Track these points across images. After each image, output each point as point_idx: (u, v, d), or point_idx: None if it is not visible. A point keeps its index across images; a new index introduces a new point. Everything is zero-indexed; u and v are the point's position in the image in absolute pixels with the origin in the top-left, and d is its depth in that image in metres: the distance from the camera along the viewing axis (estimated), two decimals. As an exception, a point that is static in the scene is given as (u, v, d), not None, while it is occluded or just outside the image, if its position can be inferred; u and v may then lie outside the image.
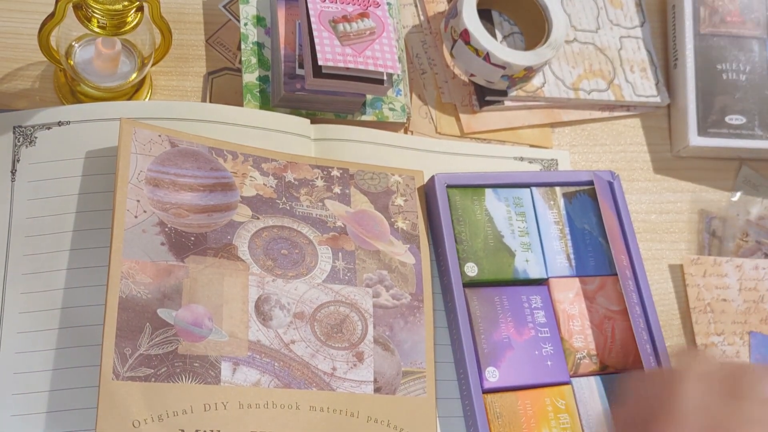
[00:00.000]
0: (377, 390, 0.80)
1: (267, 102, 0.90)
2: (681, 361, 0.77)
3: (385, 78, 0.89)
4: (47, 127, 0.82)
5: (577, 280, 0.90)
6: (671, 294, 0.99)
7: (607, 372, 0.87)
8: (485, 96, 0.99)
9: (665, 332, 0.96)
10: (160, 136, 0.80)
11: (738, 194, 1.05)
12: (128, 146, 0.79)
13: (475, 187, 0.90)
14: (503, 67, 0.95)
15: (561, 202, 0.92)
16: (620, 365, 0.87)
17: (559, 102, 1.02)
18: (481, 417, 0.81)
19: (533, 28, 1.01)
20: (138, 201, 0.77)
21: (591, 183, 0.93)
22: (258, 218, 0.82)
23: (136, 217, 0.76)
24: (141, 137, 0.80)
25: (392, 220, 0.87)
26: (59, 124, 0.83)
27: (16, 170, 0.81)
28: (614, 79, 1.05)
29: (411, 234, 0.87)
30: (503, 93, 0.99)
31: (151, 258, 0.76)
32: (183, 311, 0.75)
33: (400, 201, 0.88)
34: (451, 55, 0.98)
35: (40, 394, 0.73)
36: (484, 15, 1.01)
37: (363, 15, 0.90)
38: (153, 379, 0.72)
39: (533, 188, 0.92)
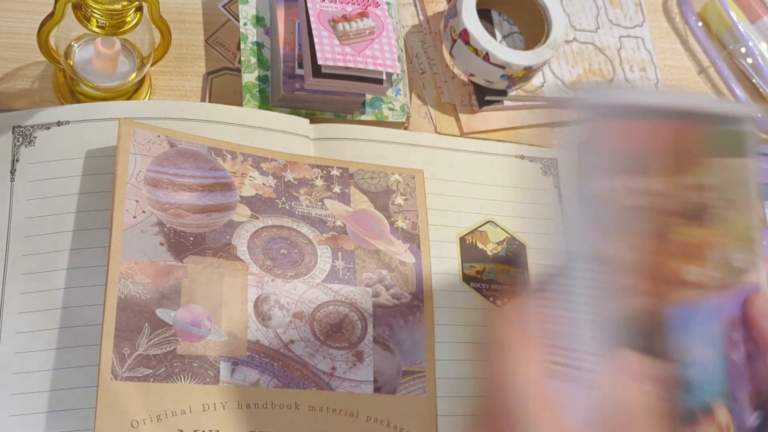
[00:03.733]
0: (377, 390, 0.80)
1: (266, 102, 0.91)
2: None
3: (384, 77, 0.89)
4: (46, 126, 0.82)
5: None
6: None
7: None
8: (485, 96, 0.99)
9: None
10: (159, 136, 0.80)
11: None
12: (127, 146, 0.79)
13: None
14: (503, 67, 0.95)
15: None
16: None
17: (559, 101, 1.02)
18: None
19: (533, 28, 1.01)
20: (137, 201, 0.77)
21: None
22: (257, 218, 0.82)
23: (134, 217, 0.76)
24: (140, 137, 0.80)
25: (392, 219, 0.87)
26: (58, 123, 0.83)
27: (15, 170, 0.81)
28: (614, 79, 1.05)
29: (411, 233, 0.87)
30: (503, 93, 0.99)
31: (149, 258, 0.76)
32: (182, 311, 0.75)
33: (400, 200, 0.88)
34: (451, 54, 0.98)
35: (38, 394, 0.73)
36: (484, 15, 1.01)
37: (362, 14, 0.90)
38: (152, 380, 0.72)
39: None
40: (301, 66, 0.90)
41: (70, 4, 0.79)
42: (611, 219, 0.55)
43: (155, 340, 0.73)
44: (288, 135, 0.88)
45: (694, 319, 0.59)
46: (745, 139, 0.62)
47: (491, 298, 0.89)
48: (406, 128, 0.96)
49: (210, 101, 0.92)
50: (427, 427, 0.80)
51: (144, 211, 0.77)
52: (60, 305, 0.76)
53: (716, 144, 0.60)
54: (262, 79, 0.91)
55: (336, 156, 0.89)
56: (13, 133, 0.82)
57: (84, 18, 0.79)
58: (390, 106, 0.94)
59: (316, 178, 0.86)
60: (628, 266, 0.55)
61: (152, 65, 0.90)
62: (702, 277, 0.59)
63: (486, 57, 0.94)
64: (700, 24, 1.15)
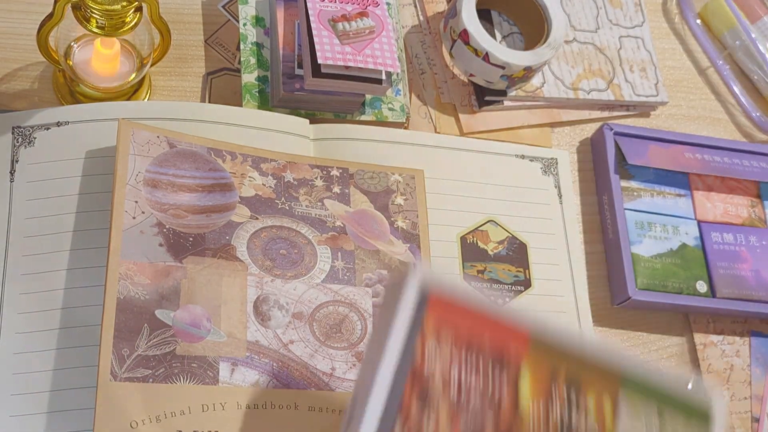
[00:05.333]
0: (376, 390, 0.80)
1: (266, 102, 0.90)
2: None
3: (384, 77, 0.89)
4: (46, 127, 0.82)
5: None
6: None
7: None
8: (484, 96, 0.99)
9: (665, 330, 0.97)
10: (158, 137, 0.80)
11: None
12: (126, 147, 0.79)
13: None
14: (502, 67, 0.95)
15: None
16: None
17: (559, 102, 1.02)
18: None
19: (532, 28, 1.01)
20: (136, 202, 0.77)
21: None
22: (257, 218, 0.82)
23: (134, 218, 0.76)
24: (139, 138, 0.80)
25: (392, 219, 0.87)
26: (58, 124, 0.83)
27: (15, 170, 0.81)
28: (614, 79, 1.05)
29: (411, 233, 0.87)
30: (502, 93, 0.99)
31: (149, 259, 0.76)
32: (181, 312, 0.75)
33: (400, 200, 0.88)
34: (451, 55, 0.98)
35: (38, 395, 0.74)
36: (484, 15, 1.01)
37: (362, 14, 0.90)
38: (151, 380, 0.72)
39: None
40: (300, 66, 0.90)
41: (69, 5, 0.79)
42: (427, 392, 0.58)
43: (154, 340, 0.73)
44: (288, 135, 0.88)
45: None
46: (704, 409, 0.64)
47: (492, 298, 0.89)
48: (405, 128, 0.96)
49: (210, 101, 0.92)
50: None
51: (143, 212, 0.77)
52: (60, 306, 0.76)
53: (636, 383, 0.63)
54: (261, 79, 0.91)
55: (336, 156, 0.89)
56: (12, 133, 0.82)
57: (83, 18, 0.79)
58: (390, 106, 0.94)
59: (316, 178, 0.86)
60: None
61: (152, 66, 0.90)
62: None
63: (486, 57, 0.94)
64: (700, 23, 1.15)
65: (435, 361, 0.58)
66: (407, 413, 0.57)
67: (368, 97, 0.93)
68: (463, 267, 0.90)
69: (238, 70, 0.94)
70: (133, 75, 0.87)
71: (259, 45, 0.92)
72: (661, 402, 0.63)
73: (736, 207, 1.03)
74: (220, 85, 0.93)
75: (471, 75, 0.98)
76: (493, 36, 1.01)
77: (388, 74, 0.90)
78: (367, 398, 0.57)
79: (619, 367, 0.63)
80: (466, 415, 0.58)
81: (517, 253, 0.92)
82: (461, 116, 0.99)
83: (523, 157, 0.97)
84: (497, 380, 0.60)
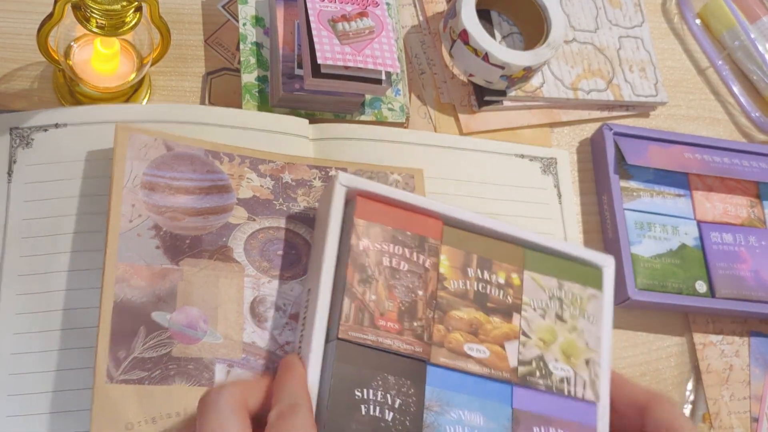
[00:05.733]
0: (372, 391, 0.80)
1: (266, 102, 0.91)
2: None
3: (383, 78, 0.89)
4: (44, 128, 0.83)
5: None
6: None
7: None
8: (484, 96, 0.99)
9: (665, 330, 0.97)
10: (155, 139, 0.80)
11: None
12: (123, 151, 0.79)
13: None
14: (502, 67, 0.95)
15: None
16: None
17: (558, 102, 1.02)
18: None
19: (532, 28, 1.01)
20: (133, 205, 0.77)
21: None
22: (254, 220, 0.82)
23: (131, 221, 0.76)
24: (136, 141, 0.80)
25: (391, 219, 0.87)
26: (56, 125, 0.83)
27: (12, 171, 0.81)
28: (613, 79, 1.05)
29: (411, 232, 0.87)
30: (502, 93, 0.99)
31: (145, 261, 0.76)
32: (177, 314, 0.75)
33: (399, 199, 0.88)
34: (450, 55, 0.98)
35: (34, 396, 0.74)
36: (483, 15, 1.01)
37: (362, 14, 0.90)
38: (147, 382, 0.72)
39: None
40: (300, 66, 0.90)
41: (69, 5, 0.79)
42: (365, 269, 0.70)
43: (151, 342, 0.73)
44: (287, 136, 0.88)
45: (463, 386, 0.69)
46: (597, 276, 0.76)
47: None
48: (405, 128, 0.96)
49: (209, 102, 0.92)
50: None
51: (140, 215, 0.77)
52: (57, 307, 0.77)
53: (538, 263, 0.75)
54: (261, 79, 0.91)
55: (335, 156, 0.89)
56: (10, 134, 0.82)
57: (83, 18, 0.79)
58: (389, 106, 0.94)
59: (315, 178, 0.86)
60: (385, 311, 0.69)
61: (152, 66, 0.90)
62: (483, 356, 0.70)
63: (485, 57, 0.94)
64: (699, 24, 1.15)
65: (368, 247, 0.70)
66: (352, 290, 0.69)
67: (368, 97, 0.93)
68: (463, 266, 0.90)
69: (238, 70, 0.94)
70: (133, 75, 0.87)
71: (258, 45, 0.92)
72: (560, 276, 0.75)
73: (735, 207, 1.03)
74: (220, 85, 0.94)
75: (470, 75, 0.98)
76: (493, 36, 1.01)
77: (388, 74, 0.90)
78: (317, 285, 0.69)
79: (522, 247, 0.75)
80: (400, 285, 0.70)
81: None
82: (461, 116, 0.99)
83: (522, 156, 0.97)
84: (421, 261, 0.72)
